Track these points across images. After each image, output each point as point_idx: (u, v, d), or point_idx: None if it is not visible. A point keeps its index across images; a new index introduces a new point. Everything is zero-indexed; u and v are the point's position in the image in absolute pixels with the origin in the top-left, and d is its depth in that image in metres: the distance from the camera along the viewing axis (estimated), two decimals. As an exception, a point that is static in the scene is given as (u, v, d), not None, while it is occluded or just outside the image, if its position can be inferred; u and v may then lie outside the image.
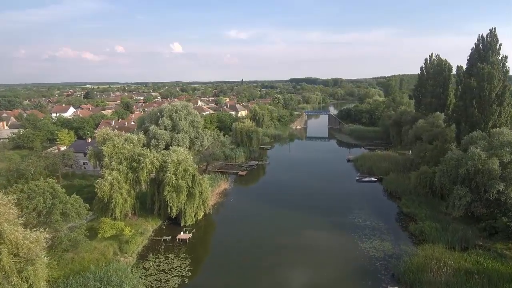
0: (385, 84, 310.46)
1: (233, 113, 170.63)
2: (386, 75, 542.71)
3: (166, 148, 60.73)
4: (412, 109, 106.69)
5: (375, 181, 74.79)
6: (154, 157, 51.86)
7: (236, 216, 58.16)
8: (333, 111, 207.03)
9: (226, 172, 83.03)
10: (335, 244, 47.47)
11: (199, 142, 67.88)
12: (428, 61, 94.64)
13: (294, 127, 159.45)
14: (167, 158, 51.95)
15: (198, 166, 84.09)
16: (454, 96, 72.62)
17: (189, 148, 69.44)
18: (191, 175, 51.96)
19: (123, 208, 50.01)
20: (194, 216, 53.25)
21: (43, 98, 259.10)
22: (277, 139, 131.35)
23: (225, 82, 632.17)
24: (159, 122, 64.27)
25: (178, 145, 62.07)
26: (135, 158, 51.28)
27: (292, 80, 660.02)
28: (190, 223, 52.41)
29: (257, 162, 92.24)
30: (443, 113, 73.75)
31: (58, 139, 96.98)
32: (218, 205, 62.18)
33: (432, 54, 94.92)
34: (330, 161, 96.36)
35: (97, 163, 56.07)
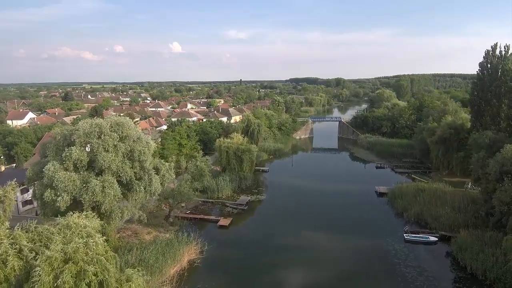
0: (396, 84, 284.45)
1: (225, 118, 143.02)
2: (388, 75, 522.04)
3: (75, 205, 32.51)
4: (457, 118, 78.64)
5: (434, 242, 46.99)
6: (12, 247, 23.96)
7: None
8: (339, 115, 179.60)
9: (201, 219, 55.39)
10: None
11: (142, 188, 38.27)
12: (491, 55, 67.24)
13: (298, 137, 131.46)
14: (41, 247, 24.11)
15: (160, 208, 56.69)
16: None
17: (132, 190, 40.20)
18: (95, 283, 24.15)
19: None
20: None
21: (15, 100, 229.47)
22: (278, 154, 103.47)
23: (224, 82, 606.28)
24: (63, 155, 35.95)
25: (95, 203, 33.68)
26: (-32, 250, 23.54)
27: (292, 80, 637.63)
28: None
29: (248, 198, 64.21)
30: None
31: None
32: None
33: (496, 45, 67.47)
34: (351, 192, 68.11)
35: None
